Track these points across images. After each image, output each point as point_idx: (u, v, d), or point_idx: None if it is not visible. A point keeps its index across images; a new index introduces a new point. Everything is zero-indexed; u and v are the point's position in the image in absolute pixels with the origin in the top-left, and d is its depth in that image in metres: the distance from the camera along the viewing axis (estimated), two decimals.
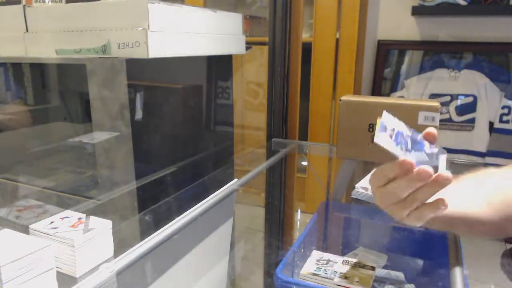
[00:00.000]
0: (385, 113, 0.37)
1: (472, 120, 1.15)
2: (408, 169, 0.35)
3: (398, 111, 0.92)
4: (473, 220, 0.40)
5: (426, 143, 0.38)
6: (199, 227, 0.78)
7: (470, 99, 1.15)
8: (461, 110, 1.16)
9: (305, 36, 1.32)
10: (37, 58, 0.69)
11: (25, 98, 0.80)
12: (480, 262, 0.56)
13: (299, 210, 1.14)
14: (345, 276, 0.55)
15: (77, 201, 0.68)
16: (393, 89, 1.25)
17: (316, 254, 0.63)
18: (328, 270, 0.57)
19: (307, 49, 1.27)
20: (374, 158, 0.92)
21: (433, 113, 0.85)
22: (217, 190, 0.82)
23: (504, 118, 1.12)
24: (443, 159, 0.36)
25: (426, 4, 1.12)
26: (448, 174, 0.35)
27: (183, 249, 0.74)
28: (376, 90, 1.28)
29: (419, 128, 0.40)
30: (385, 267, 0.69)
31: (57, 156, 0.78)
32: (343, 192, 0.95)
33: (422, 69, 1.20)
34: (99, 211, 0.66)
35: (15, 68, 0.80)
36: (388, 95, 1.26)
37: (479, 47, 1.14)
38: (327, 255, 0.62)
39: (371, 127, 0.92)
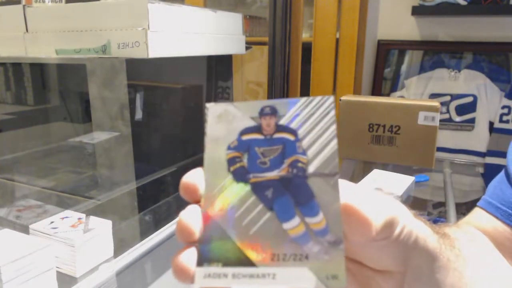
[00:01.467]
0: None
1: (472, 120, 1.15)
2: None
3: (398, 111, 0.92)
4: None
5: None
6: None
7: (470, 99, 1.15)
8: (461, 110, 1.16)
9: (305, 36, 1.32)
10: (37, 58, 0.69)
11: (25, 98, 0.80)
12: None
13: None
14: None
15: (77, 201, 0.68)
16: (393, 89, 1.25)
17: None
18: None
19: (307, 49, 1.27)
20: (374, 158, 0.92)
21: (433, 113, 0.85)
22: None
23: (504, 118, 1.12)
24: None
25: (426, 4, 1.12)
26: None
27: None
28: (376, 90, 1.28)
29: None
30: None
31: (57, 156, 0.78)
32: None
33: (422, 69, 1.20)
34: (99, 211, 0.66)
35: (15, 68, 0.80)
36: (388, 95, 1.26)
37: (479, 47, 1.14)
38: None
39: (371, 127, 0.92)
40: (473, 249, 0.30)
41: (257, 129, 0.19)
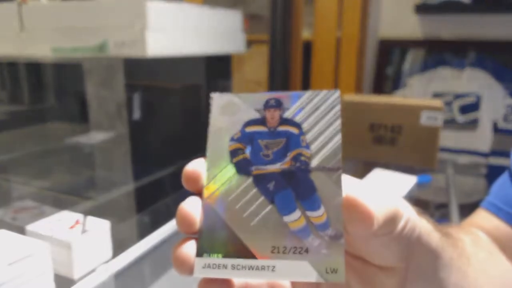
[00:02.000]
0: None
1: (476, 120, 1.14)
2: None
3: (400, 111, 0.91)
4: None
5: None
6: None
7: (474, 98, 1.14)
8: (464, 109, 1.15)
9: (306, 34, 1.31)
10: (33, 57, 0.69)
11: (21, 97, 0.80)
12: None
13: None
14: None
15: (75, 201, 0.67)
16: (395, 88, 1.24)
17: None
18: None
19: (308, 47, 1.26)
20: (375, 158, 0.91)
21: (436, 113, 0.84)
22: None
23: (509, 117, 1.11)
24: None
25: (429, 2, 1.11)
26: None
27: None
28: (378, 89, 1.26)
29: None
30: None
31: (54, 157, 0.78)
32: None
33: (424, 68, 1.19)
34: (97, 212, 0.65)
35: (11, 67, 0.80)
36: (390, 94, 1.25)
37: (482, 45, 1.13)
38: None
39: (373, 127, 0.91)
40: (476, 249, 0.30)
41: (261, 121, 0.19)
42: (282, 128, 0.19)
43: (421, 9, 1.12)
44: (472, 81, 1.13)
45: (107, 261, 0.55)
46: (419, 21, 1.18)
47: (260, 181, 0.18)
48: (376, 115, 0.90)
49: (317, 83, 1.29)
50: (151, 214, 0.69)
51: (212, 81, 0.84)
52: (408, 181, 0.80)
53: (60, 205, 0.63)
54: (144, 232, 0.63)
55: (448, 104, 1.15)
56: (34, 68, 0.78)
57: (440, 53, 1.18)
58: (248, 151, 0.18)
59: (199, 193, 0.18)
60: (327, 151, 0.18)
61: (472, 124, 1.14)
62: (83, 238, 0.52)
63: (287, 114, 0.19)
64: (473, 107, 1.14)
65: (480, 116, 1.13)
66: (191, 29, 0.70)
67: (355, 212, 0.17)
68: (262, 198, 0.18)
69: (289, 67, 1.22)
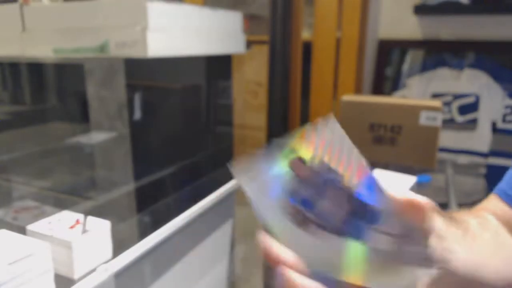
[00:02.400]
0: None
1: (475, 120, 1.14)
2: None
3: (400, 111, 0.91)
4: None
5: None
6: (198, 228, 0.78)
7: (473, 98, 1.14)
8: (463, 109, 1.15)
9: (306, 35, 1.31)
10: (35, 57, 0.69)
11: (22, 98, 0.80)
12: None
13: None
14: None
15: (75, 201, 0.67)
16: (395, 88, 1.24)
17: None
18: None
19: (307, 48, 1.26)
20: (375, 158, 0.92)
21: (435, 113, 0.84)
22: (217, 190, 0.81)
23: (507, 118, 1.11)
24: None
25: (428, 2, 1.11)
26: None
27: (183, 250, 0.74)
28: (377, 90, 1.27)
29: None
30: None
31: (54, 157, 0.78)
32: None
33: (424, 68, 1.20)
34: (97, 212, 0.65)
35: (12, 67, 0.80)
36: (389, 94, 1.25)
37: (481, 46, 1.13)
38: None
39: (372, 127, 0.91)
40: (482, 231, 0.31)
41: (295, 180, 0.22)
42: (316, 177, 0.20)
43: (420, 10, 1.13)
44: (471, 81, 1.14)
45: (107, 261, 0.55)
46: (419, 21, 1.18)
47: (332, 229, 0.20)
48: (376, 115, 0.90)
49: (317, 83, 1.30)
50: (151, 214, 0.69)
51: (212, 81, 0.84)
52: (408, 181, 0.80)
53: (61, 205, 0.63)
54: (144, 232, 0.63)
55: (447, 104, 1.16)
56: (36, 68, 0.78)
57: (439, 53, 1.18)
58: (302, 208, 0.20)
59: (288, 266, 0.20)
60: (354, 166, 0.21)
61: (471, 124, 1.15)
62: (83, 238, 0.52)
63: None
64: (472, 107, 1.14)
65: (479, 116, 1.14)
66: (192, 29, 0.70)
67: (414, 207, 0.23)
68: (341, 239, 0.20)
69: (289, 68, 1.22)
